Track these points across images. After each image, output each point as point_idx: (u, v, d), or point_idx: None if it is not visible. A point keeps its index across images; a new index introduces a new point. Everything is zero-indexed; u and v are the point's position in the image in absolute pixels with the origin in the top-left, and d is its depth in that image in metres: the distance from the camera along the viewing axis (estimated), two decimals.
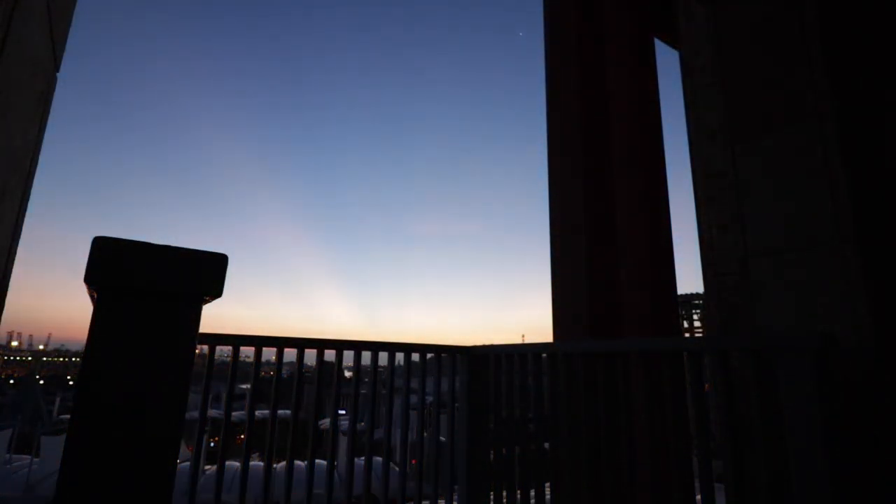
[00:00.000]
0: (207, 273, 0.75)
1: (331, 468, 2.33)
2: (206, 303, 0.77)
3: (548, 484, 2.22)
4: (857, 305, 1.59)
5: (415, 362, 2.63)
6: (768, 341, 1.47)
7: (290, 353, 2.34)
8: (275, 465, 2.24)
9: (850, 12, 1.96)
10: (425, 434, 2.62)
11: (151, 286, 0.71)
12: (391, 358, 2.60)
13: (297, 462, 2.30)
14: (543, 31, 3.91)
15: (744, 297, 1.90)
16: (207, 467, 13.66)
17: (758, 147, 1.95)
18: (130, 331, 0.70)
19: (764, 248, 1.87)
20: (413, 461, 2.67)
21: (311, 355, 2.36)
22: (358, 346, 2.46)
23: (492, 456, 2.50)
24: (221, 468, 2.12)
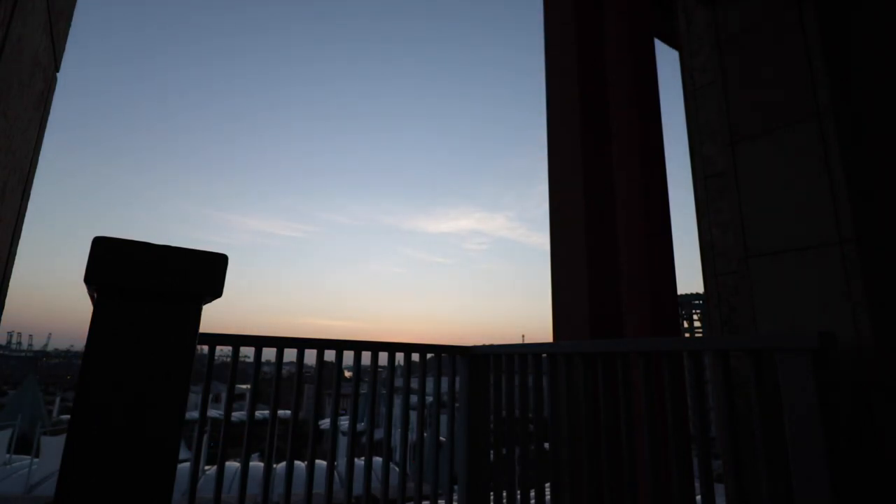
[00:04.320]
0: (207, 273, 0.75)
1: (331, 468, 2.33)
2: (206, 303, 0.77)
3: (548, 484, 2.22)
4: (857, 305, 1.59)
5: (415, 362, 2.63)
6: (768, 341, 1.47)
7: (290, 353, 2.34)
8: (275, 466, 2.23)
9: (851, 12, 1.96)
10: (425, 434, 2.62)
11: (151, 286, 0.71)
12: (391, 358, 2.60)
13: (297, 462, 2.30)
14: (543, 33, 3.91)
15: (744, 297, 1.90)
16: (207, 467, 13.66)
17: (758, 147, 1.95)
18: (130, 330, 0.70)
19: (764, 248, 1.87)
20: (412, 461, 2.67)
21: (311, 355, 2.36)
22: (358, 346, 2.46)
23: (492, 456, 2.50)
24: (221, 468, 2.12)
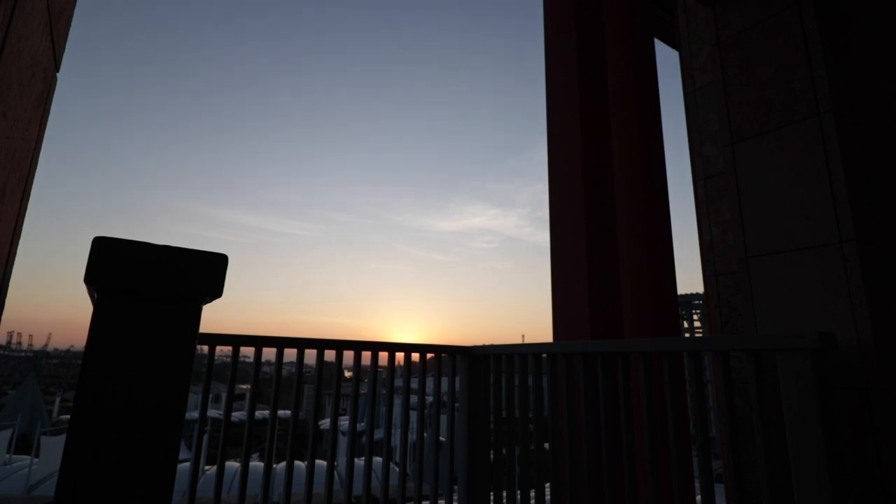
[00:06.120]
0: (208, 273, 0.75)
1: (331, 468, 2.33)
2: (206, 303, 0.77)
3: (548, 484, 2.22)
4: (857, 305, 1.59)
5: (414, 362, 2.64)
6: (768, 341, 1.47)
7: (290, 353, 2.34)
8: (275, 466, 2.23)
9: (850, 11, 1.96)
10: (425, 434, 2.62)
11: (151, 286, 0.71)
12: (391, 358, 2.60)
13: (297, 462, 2.30)
14: (544, 35, 3.91)
15: (744, 297, 1.90)
16: (207, 467, 13.66)
17: (758, 147, 1.95)
18: (130, 331, 0.70)
19: (764, 248, 1.87)
20: (412, 461, 2.67)
21: (311, 355, 2.36)
22: (358, 346, 2.46)
23: (492, 456, 2.50)
24: (221, 468, 2.12)
